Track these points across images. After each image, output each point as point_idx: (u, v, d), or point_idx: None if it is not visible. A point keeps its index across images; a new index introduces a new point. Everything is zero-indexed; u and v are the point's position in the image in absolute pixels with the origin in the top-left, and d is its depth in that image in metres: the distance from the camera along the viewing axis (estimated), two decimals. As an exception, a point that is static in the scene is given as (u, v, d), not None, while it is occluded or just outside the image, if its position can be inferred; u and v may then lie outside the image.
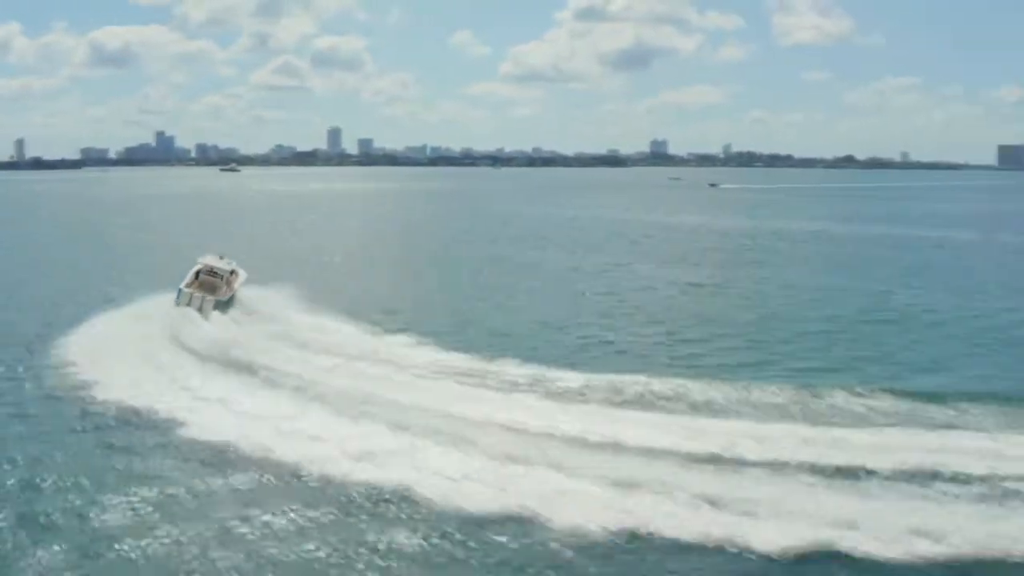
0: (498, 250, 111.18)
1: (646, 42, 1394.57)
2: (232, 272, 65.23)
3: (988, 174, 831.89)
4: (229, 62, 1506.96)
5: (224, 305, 58.76)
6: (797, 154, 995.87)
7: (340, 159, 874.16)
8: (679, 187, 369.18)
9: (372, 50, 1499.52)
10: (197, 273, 62.24)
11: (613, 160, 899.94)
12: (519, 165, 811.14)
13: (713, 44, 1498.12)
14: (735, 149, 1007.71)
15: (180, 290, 58.50)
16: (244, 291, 63.45)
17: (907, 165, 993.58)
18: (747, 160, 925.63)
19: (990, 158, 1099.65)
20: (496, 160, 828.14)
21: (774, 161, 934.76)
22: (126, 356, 49.60)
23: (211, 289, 60.19)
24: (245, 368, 46.25)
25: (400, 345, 52.47)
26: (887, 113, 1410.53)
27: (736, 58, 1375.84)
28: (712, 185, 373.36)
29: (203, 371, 46.24)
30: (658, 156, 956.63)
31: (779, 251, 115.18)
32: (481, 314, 67.05)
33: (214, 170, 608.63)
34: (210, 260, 65.14)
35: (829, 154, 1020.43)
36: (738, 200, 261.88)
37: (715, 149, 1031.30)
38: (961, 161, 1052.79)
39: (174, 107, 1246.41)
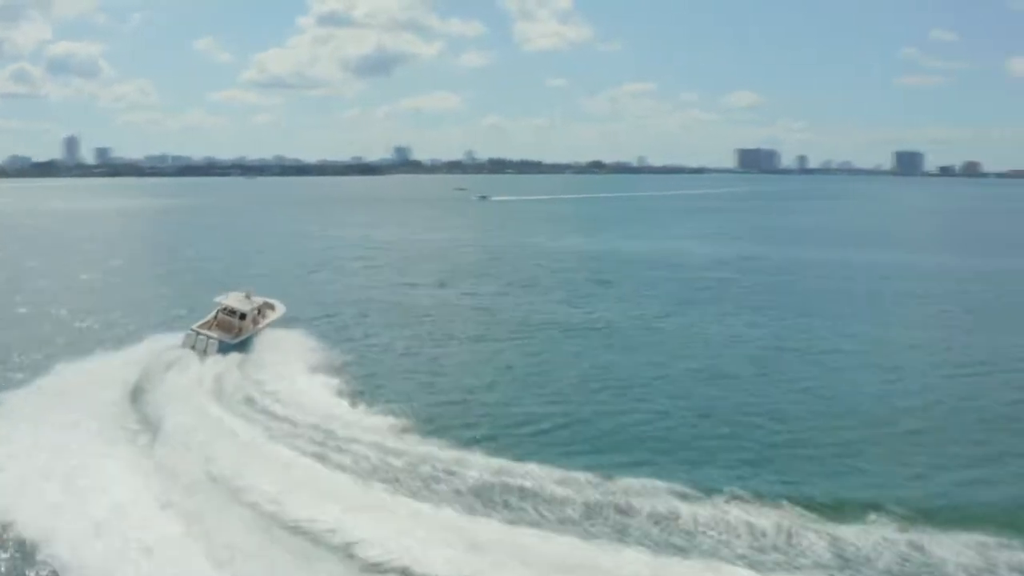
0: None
1: (388, 48, 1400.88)
2: (259, 311, 65.11)
3: (730, 177, 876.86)
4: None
5: (233, 347, 58.58)
6: (541, 159, 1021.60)
7: (82, 170, 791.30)
8: (466, 199, 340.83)
9: (111, 56, 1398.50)
10: (219, 312, 62.31)
11: (366, 168, 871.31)
12: (271, 174, 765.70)
13: (455, 51, 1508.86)
14: (476, 155, 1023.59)
15: (188, 331, 59.73)
16: (270, 331, 63.54)
17: (653, 170, 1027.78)
18: (499, 167, 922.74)
19: (729, 161, 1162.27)
20: (248, 169, 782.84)
21: (525, 167, 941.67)
22: (52, 407, 46.81)
23: (227, 329, 60.69)
24: (148, 431, 43.98)
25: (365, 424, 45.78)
26: (626, 118, 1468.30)
27: (477, 64, 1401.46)
28: (482, 198, 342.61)
29: (101, 430, 43.66)
30: (409, 163, 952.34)
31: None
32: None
33: None
34: (231, 298, 64.19)
35: (569, 158, 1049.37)
36: (557, 215, 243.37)
37: (456, 154, 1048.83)
38: (702, 165, 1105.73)
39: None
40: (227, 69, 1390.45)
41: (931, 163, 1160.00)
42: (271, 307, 68.25)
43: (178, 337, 59.64)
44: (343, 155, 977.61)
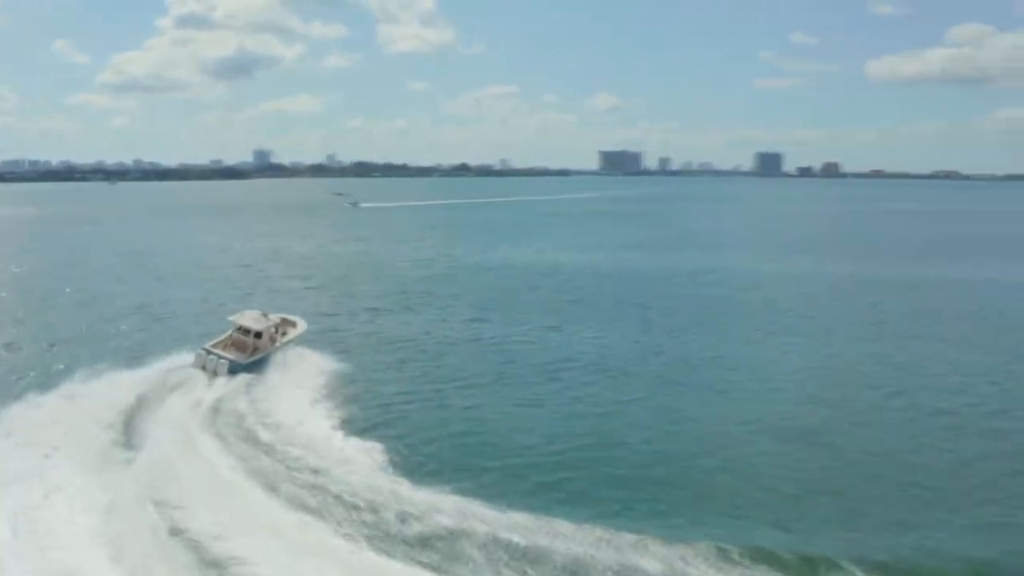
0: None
1: (249, 51, 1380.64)
2: (277, 328, 63.66)
3: (606, 180, 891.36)
4: None
5: (245, 367, 57.27)
6: (405, 161, 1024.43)
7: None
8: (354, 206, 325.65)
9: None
10: (234, 331, 61.35)
11: (230, 172, 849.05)
12: (133, 179, 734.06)
13: (317, 53, 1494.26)
14: (339, 157, 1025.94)
15: (199, 350, 58.34)
16: (290, 350, 62.26)
17: (518, 172, 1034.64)
18: (364, 170, 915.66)
19: (593, 163, 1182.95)
20: (110, 174, 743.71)
21: (391, 170, 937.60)
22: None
23: (242, 348, 59.57)
24: (128, 458, 42.37)
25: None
26: (489, 120, 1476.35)
27: (340, 66, 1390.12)
28: (353, 205, 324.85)
29: (80, 456, 41.66)
30: (272, 167, 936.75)
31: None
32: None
33: None
34: (247, 317, 63.28)
35: (433, 161, 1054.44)
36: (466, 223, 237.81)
37: (319, 157, 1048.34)
38: (565, 166, 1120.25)
39: None
40: (84, 71, 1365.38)
41: (791, 164, 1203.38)
42: (292, 324, 67.23)
43: (190, 357, 58.68)
44: (202, 158, 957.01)
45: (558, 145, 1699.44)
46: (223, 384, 54.73)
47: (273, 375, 57.23)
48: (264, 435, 45.98)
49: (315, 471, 40.96)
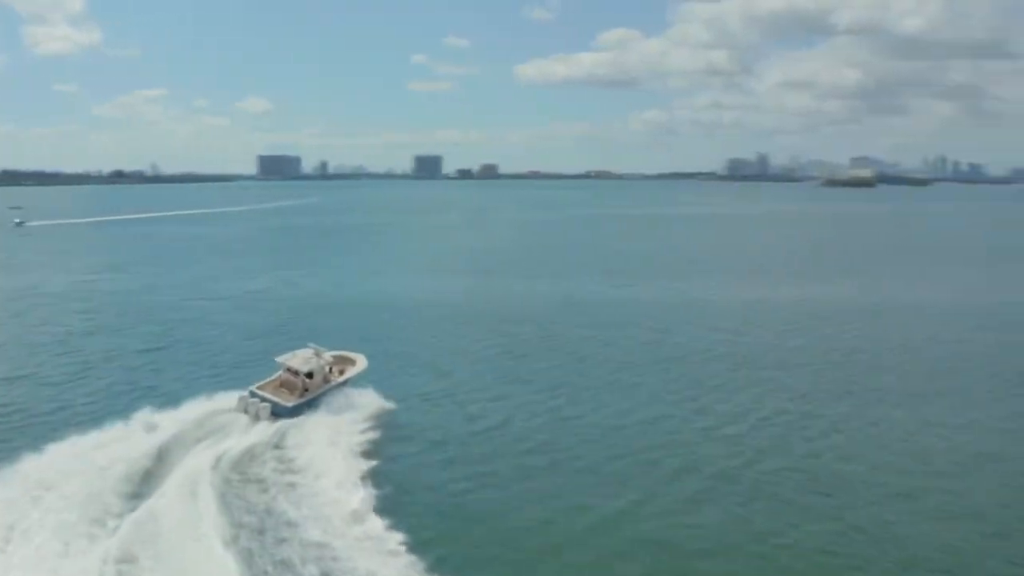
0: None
1: None
2: (331, 368, 61.37)
3: (256, 185, 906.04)
4: None
5: (290, 411, 54.79)
6: (58, 169, 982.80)
7: None
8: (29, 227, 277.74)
9: None
10: (284, 371, 58.75)
11: None
12: None
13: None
14: None
15: (243, 393, 56.04)
16: (344, 391, 59.40)
17: (174, 178, 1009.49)
18: (13, 178, 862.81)
19: (251, 167, 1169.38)
20: None
21: (44, 178, 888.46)
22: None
23: (291, 389, 57.17)
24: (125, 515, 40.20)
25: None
26: (139, 124, 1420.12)
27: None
28: (19, 224, 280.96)
29: (81, 509, 40.28)
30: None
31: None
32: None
33: None
34: (298, 358, 60.12)
35: (83, 167, 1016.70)
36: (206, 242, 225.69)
37: None
38: (221, 171, 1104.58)
39: None
40: None
41: (449, 166, 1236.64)
42: (351, 361, 64.14)
43: (233, 399, 55.85)
44: None
45: (213, 149, 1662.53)
46: (261, 430, 51.41)
47: (317, 421, 53.68)
48: (278, 504, 42.58)
49: (318, 550, 37.97)
